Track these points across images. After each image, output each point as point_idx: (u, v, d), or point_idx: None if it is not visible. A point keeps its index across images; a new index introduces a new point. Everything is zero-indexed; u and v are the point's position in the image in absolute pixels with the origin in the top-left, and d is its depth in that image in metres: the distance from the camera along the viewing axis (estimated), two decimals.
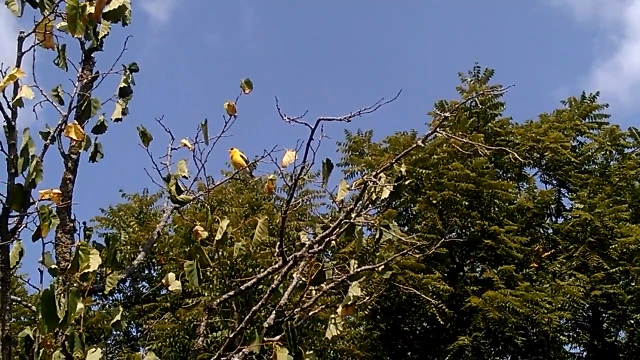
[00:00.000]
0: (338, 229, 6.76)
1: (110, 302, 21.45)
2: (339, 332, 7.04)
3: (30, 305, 6.64)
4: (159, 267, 20.61)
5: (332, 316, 7.08)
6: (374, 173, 6.68)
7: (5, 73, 5.38)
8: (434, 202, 19.16)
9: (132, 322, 21.01)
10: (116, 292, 21.68)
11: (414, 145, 6.98)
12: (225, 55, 54.74)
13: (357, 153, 21.25)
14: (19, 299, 6.45)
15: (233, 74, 49.01)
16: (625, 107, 51.77)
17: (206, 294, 17.28)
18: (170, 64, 52.58)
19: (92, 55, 6.66)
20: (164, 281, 6.67)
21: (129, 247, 19.20)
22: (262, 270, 17.18)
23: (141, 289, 22.40)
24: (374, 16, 54.60)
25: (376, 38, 55.09)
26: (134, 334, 21.77)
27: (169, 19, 54.82)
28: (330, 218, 20.03)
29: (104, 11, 5.93)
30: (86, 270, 5.35)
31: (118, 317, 6.54)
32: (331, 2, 55.74)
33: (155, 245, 13.98)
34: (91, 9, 5.88)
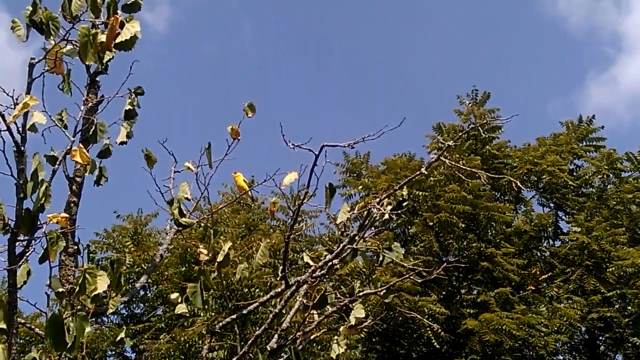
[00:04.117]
0: (341, 253, 6.78)
1: (105, 322, 21.37)
2: (341, 351, 7.07)
3: (33, 327, 6.64)
4: (155, 288, 20.57)
5: (335, 337, 7.10)
6: (377, 199, 6.70)
7: (17, 99, 5.41)
8: (431, 223, 19.19)
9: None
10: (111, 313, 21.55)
11: (417, 173, 7.00)
12: (222, 65, 54.99)
13: (355, 174, 21.31)
14: (23, 321, 6.45)
15: (230, 84, 49.25)
16: (622, 123, 51.75)
17: (202, 315, 17.24)
18: (168, 73, 52.75)
19: (97, 79, 6.71)
20: (168, 299, 6.70)
21: (124, 268, 19.18)
22: (257, 290, 17.22)
23: (136, 310, 22.33)
24: (370, 28, 54.97)
25: (372, 51, 55.42)
26: (129, 354, 21.69)
27: (167, 29, 55.07)
28: (328, 238, 20.17)
29: (116, 41, 5.96)
30: (95, 292, 5.38)
31: (122, 335, 6.57)
32: (328, 12, 56.11)
33: (149, 265, 13.97)
34: (102, 37, 5.91)
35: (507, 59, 55.77)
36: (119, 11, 6.25)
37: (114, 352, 21.16)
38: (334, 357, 7.15)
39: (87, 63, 6.07)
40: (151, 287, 20.89)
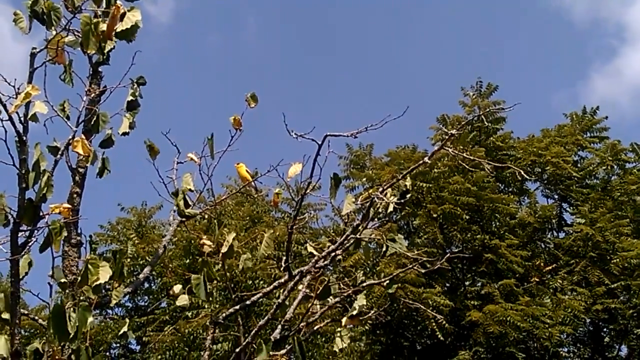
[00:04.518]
0: (345, 244, 6.76)
1: (109, 314, 21.39)
2: (345, 345, 7.05)
3: (37, 319, 6.64)
4: (159, 280, 20.60)
5: (338, 329, 7.09)
6: (380, 189, 6.68)
7: (19, 89, 5.40)
8: (435, 215, 19.15)
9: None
10: (115, 305, 21.58)
11: (420, 162, 6.98)
12: (226, 58, 54.97)
13: (359, 166, 21.28)
14: (26, 312, 6.45)
15: (234, 77, 49.25)
16: (626, 115, 51.55)
17: (206, 306, 17.25)
18: (171, 65, 52.73)
19: (99, 69, 6.70)
20: (171, 292, 6.68)
21: (128, 260, 19.19)
22: (261, 282, 17.23)
23: (140, 302, 22.36)
24: (374, 20, 54.88)
25: (376, 44, 55.32)
26: (134, 346, 21.73)
27: (171, 20, 55.04)
28: (332, 230, 20.16)
29: (117, 30, 5.95)
30: (96, 283, 5.37)
31: (125, 329, 6.57)
32: (333, 4, 56.02)
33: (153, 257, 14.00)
34: (103, 27, 5.91)
35: (511, 51, 55.65)
36: (120, 1, 6.24)
37: (118, 345, 21.21)
38: (337, 351, 7.12)
39: (88, 52, 6.07)
40: (155, 279, 20.92)
